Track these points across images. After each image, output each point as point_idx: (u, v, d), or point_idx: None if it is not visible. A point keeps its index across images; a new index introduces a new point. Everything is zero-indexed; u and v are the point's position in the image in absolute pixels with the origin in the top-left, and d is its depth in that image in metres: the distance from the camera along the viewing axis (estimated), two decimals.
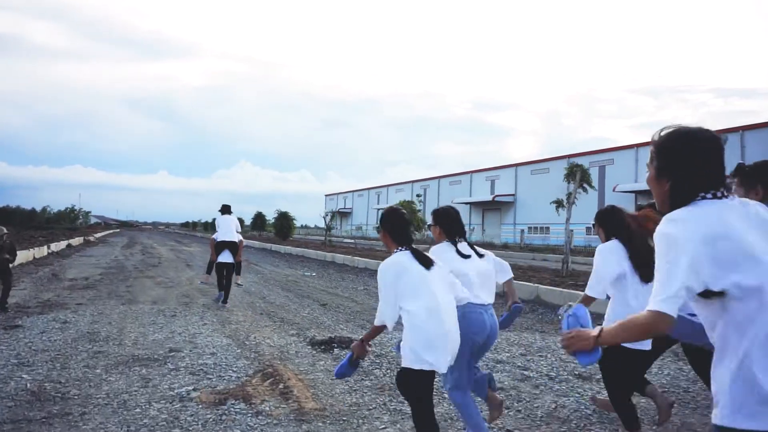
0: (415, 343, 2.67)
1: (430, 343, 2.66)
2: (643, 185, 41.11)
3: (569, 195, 13.46)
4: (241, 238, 9.75)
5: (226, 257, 9.32)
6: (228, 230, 9.48)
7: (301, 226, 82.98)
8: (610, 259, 3.30)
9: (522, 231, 47.01)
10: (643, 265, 3.18)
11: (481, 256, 3.43)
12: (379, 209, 79.73)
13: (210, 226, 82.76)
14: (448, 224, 3.41)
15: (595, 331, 1.68)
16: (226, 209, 9.89)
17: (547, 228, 51.40)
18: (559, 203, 14.59)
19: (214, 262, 9.49)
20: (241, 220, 12.68)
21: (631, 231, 3.34)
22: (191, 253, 25.96)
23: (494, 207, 57.90)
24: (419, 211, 20.62)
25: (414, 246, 2.92)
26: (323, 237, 55.03)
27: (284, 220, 34.91)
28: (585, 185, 13.41)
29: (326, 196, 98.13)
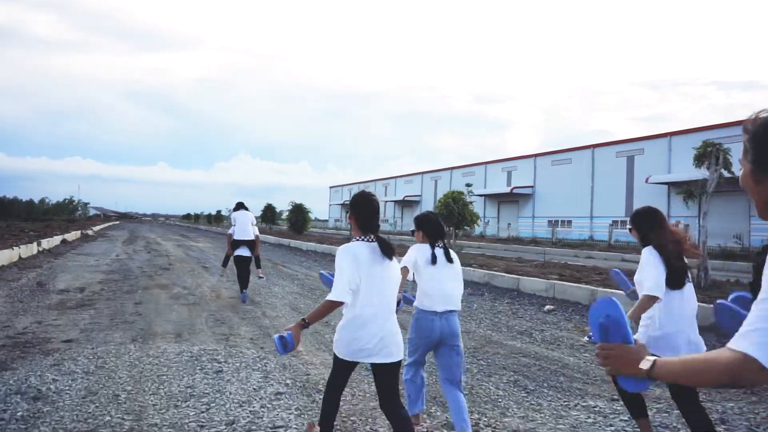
0: (345, 335, 2.80)
1: (357, 340, 2.76)
2: (677, 176, 38.19)
3: (705, 182, 10.27)
4: (257, 233, 9.59)
5: (243, 251, 9.21)
6: (245, 228, 9.30)
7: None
8: (659, 260, 3.10)
9: (554, 224, 43.87)
10: (673, 276, 3.10)
11: (450, 261, 3.54)
12: (387, 201, 76.61)
13: (214, 219, 79.40)
14: (429, 229, 3.58)
15: (645, 361, 1.33)
16: (240, 206, 9.69)
17: (569, 221, 48.41)
18: (688, 193, 11.39)
19: (230, 256, 9.53)
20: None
21: (669, 238, 3.16)
22: (202, 250, 22.76)
23: (511, 199, 54.82)
24: (472, 203, 17.46)
25: (379, 236, 2.87)
26: (334, 230, 52.07)
27: (299, 213, 31.64)
28: (723, 170, 10.18)
29: (331, 188, 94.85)
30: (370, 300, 2.75)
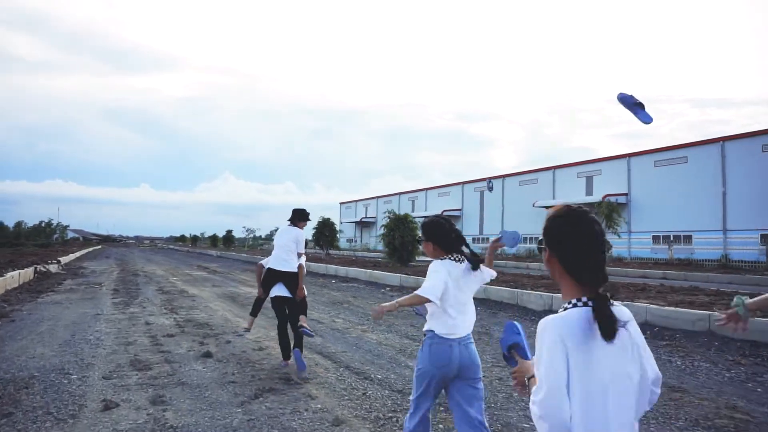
0: None
1: None
2: None
3: None
4: (303, 261, 5.64)
5: (280, 290, 5.40)
6: (283, 252, 5.44)
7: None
8: None
9: (663, 240, 31.02)
10: None
11: (477, 266, 2.67)
12: (415, 218, 63.69)
13: (224, 241, 64.37)
14: (442, 239, 2.66)
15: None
16: (299, 216, 5.69)
17: (688, 237, 36.11)
18: None
19: (262, 299, 6.09)
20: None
21: None
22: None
23: (594, 211, 42.38)
24: None
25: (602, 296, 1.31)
26: (365, 252, 37.23)
27: (405, 230, 18.38)
28: None
29: (341, 204, 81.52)
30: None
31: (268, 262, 5.67)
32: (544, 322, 1.31)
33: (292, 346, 5.44)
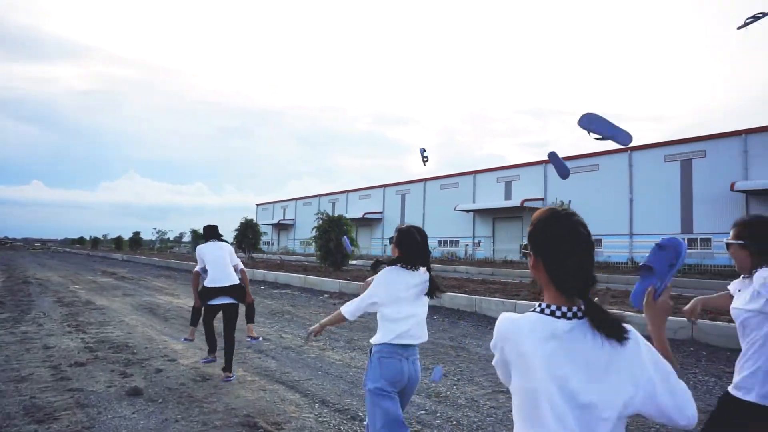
0: None
1: None
2: (763, 183, 29.42)
3: None
4: (242, 267, 5.59)
5: (224, 299, 5.23)
6: (222, 266, 5.26)
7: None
8: None
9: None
10: None
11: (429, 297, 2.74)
12: (352, 219, 62.30)
13: (131, 244, 58.72)
14: (407, 249, 2.60)
15: None
16: (210, 233, 5.58)
17: (599, 240, 37.92)
18: None
19: (200, 308, 5.46)
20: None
21: None
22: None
23: (512, 215, 43.54)
24: None
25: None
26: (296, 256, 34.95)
27: (340, 231, 17.20)
28: None
29: (258, 205, 78.33)
30: None
31: (206, 280, 5.32)
32: (510, 319, 1.21)
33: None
